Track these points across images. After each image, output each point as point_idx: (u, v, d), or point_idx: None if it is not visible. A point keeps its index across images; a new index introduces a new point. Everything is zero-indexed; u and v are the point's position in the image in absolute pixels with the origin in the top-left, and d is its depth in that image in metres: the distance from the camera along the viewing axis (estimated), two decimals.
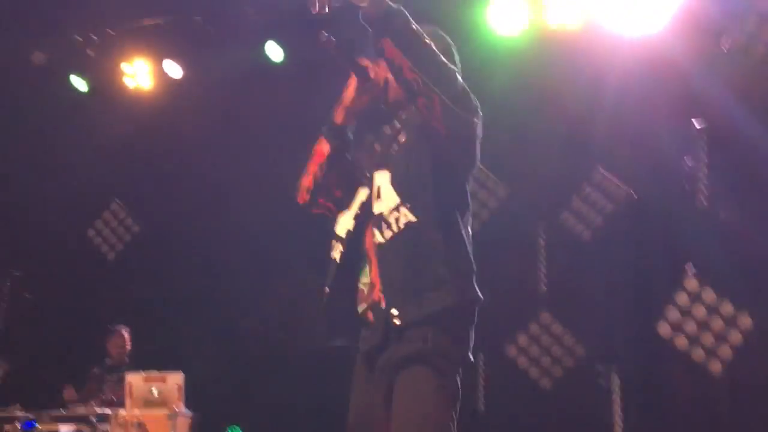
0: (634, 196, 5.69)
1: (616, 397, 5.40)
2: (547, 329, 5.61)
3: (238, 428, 5.71)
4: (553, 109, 5.52)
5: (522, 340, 5.68)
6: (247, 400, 6.08)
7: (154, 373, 5.13)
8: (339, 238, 2.26)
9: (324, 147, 2.29)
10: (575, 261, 5.56)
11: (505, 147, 5.21)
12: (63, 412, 5.18)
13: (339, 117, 2.29)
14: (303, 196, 2.35)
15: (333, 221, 2.34)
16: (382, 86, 2.25)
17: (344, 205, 2.31)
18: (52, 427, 5.00)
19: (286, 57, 6.00)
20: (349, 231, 2.24)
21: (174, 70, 6.24)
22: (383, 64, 2.18)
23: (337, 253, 2.24)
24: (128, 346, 6.08)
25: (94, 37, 6.14)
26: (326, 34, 2.17)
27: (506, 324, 5.59)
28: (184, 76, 6.25)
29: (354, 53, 2.24)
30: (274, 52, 5.92)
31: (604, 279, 5.47)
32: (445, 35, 2.32)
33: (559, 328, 5.57)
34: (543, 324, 5.64)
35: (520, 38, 5.54)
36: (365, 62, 2.23)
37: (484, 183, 5.82)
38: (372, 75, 2.23)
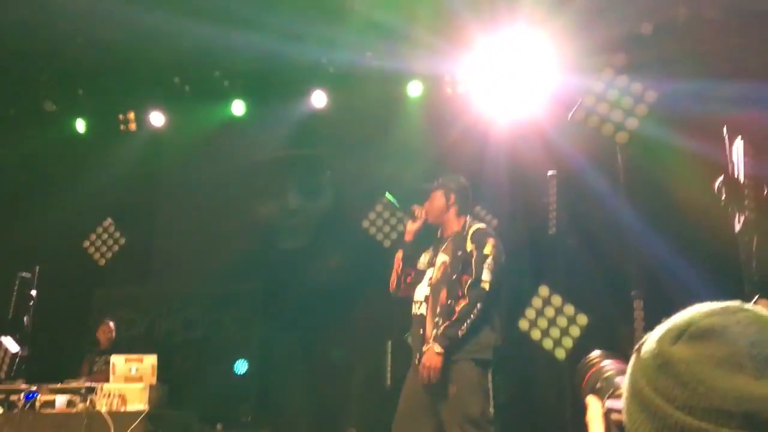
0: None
1: (490, 375, 5.72)
2: None
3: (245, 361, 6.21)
4: (450, 160, 6.12)
5: None
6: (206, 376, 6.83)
7: (134, 356, 5.41)
8: (419, 301, 3.79)
9: (400, 254, 3.96)
10: None
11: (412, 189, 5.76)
12: (59, 385, 5.23)
13: (408, 237, 3.98)
14: (393, 285, 3.93)
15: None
16: (424, 219, 3.93)
17: (413, 285, 3.85)
18: (50, 397, 5.10)
19: (246, 111, 6.93)
20: (427, 296, 3.75)
21: (157, 119, 7.26)
22: (424, 206, 3.88)
23: (423, 309, 3.73)
24: (113, 334, 6.58)
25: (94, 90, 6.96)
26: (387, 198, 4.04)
27: None
28: (164, 124, 7.25)
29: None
30: (237, 107, 6.90)
31: None
32: (462, 182, 3.97)
33: None
34: None
35: (427, 106, 6.38)
36: (414, 208, 3.93)
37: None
38: (417, 213, 3.92)
